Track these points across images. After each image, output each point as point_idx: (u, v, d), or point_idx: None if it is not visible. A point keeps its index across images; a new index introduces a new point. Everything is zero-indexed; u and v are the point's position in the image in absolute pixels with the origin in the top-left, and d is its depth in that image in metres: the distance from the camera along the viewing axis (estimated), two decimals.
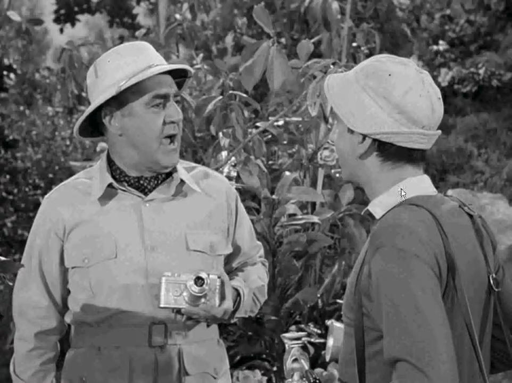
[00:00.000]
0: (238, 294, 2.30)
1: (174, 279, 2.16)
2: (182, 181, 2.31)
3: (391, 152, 1.78)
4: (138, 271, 2.23)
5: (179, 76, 2.33)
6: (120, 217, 2.26)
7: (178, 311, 2.21)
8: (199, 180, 2.36)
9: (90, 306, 2.25)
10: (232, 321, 2.33)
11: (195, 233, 2.29)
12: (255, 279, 2.41)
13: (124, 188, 2.27)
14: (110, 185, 2.27)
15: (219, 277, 2.19)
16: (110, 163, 2.31)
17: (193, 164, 2.43)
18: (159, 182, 2.30)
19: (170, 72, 2.26)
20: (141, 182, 2.28)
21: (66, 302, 2.34)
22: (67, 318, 2.34)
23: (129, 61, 2.23)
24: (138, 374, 2.23)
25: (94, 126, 2.31)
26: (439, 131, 1.81)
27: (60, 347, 2.39)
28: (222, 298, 2.20)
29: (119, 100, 2.22)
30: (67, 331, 2.39)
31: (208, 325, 2.31)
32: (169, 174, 2.31)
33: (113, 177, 2.28)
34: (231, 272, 2.41)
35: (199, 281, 2.13)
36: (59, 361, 2.38)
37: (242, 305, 2.32)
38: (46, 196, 2.36)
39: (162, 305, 2.17)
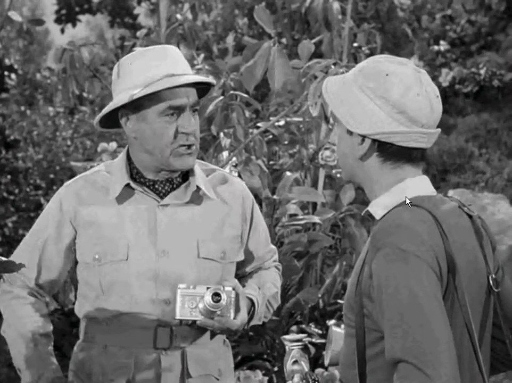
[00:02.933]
0: (252, 303, 2.30)
1: (190, 291, 2.17)
2: (198, 187, 2.30)
3: (391, 152, 1.78)
4: (148, 275, 2.24)
5: (202, 82, 2.29)
6: (134, 219, 2.26)
7: (193, 322, 2.21)
8: (216, 186, 2.34)
9: (99, 303, 2.27)
10: (246, 328, 2.33)
11: (207, 241, 2.29)
12: (270, 286, 2.41)
13: (141, 189, 2.27)
14: (128, 184, 2.27)
15: (233, 289, 2.19)
16: (129, 160, 2.31)
17: (212, 166, 2.41)
18: (174, 186, 2.29)
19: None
20: (156, 186, 2.28)
21: (53, 289, 2.37)
22: (78, 313, 2.35)
23: (151, 67, 2.21)
24: (141, 374, 2.24)
25: (115, 117, 2.30)
26: (439, 129, 1.81)
27: (64, 341, 2.40)
28: (237, 310, 2.20)
29: (135, 105, 2.21)
30: (76, 324, 2.39)
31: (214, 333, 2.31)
32: (185, 178, 2.31)
33: (131, 176, 2.28)
34: (245, 276, 2.41)
35: (216, 297, 2.14)
36: (66, 356, 2.38)
37: (257, 313, 2.31)
38: (65, 184, 2.35)
39: (177, 317, 2.18)
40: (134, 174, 2.29)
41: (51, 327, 2.35)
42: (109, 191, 2.28)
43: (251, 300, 2.29)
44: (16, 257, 2.33)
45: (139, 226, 2.26)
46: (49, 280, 2.34)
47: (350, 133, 1.80)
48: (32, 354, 2.27)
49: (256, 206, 2.44)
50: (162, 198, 2.28)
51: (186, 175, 2.32)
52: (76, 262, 2.32)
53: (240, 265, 2.40)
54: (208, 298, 2.14)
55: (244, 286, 2.29)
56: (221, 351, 2.37)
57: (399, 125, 1.75)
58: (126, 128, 2.25)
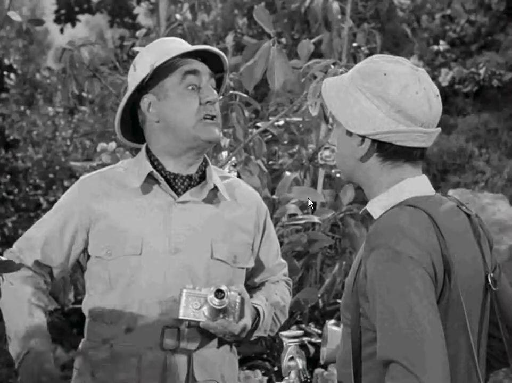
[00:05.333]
0: (258, 313, 2.29)
1: (195, 292, 2.15)
2: (215, 188, 2.31)
3: (391, 152, 1.78)
4: (158, 271, 2.23)
5: (215, 72, 2.34)
6: (149, 214, 2.26)
7: (196, 324, 2.20)
8: (232, 190, 2.35)
9: (107, 298, 2.25)
10: (251, 340, 2.32)
11: (221, 242, 2.29)
12: (278, 299, 2.39)
13: (160, 181, 2.27)
14: (149, 175, 2.27)
15: (239, 294, 2.18)
16: (148, 154, 2.32)
17: (227, 174, 2.44)
18: (192, 183, 2.30)
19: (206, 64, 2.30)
20: (176, 181, 2.29)
21: (51, 275, 2.33)
22: (85, 309, 2.33)
23: (164, 48, 2.28)
24: (146, 375, 2.22)
25: (132, 130, 2.36)
26: (439, 129, 1.80)
27: (63, 341, 2.38)
28: (241, 315, 2.19)
29: (154, 84, 2.26)
30: (76, 324, 2.37)
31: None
32: (203, 178, 2.32)
33: (153, 167, 2.30)
34: (253, 288, 2.40)
35: (219, 293, 2.13)
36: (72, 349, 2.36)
37: (262, 324, 2.30)
38: (81, 178, 2.37)
39: (180, 317, 2.16)
40: (155, 166, 2.30)
41: (47, 301, 2.32)
42: (127, 186, 2.28)
43: (257, 310, 2.28)
44: (31, 232, 2.34)
45: (153, 222, 2.26)
46: (50, 264, 2.32)
47: (350, 134, 1.80)
48: (24, 324, 2.24)
49: (269, 218, 2.44)
50: (178, 195, 2.28)
51: (203, 175, 2.32)
52: (88, 256, 2.31)
53: (249, 275, 2.40)
54: (212, 297, 2.13)
55: (251, 297, 2.28)
56: (227, 357, 2.34)
57: (398, 124, 1.75)
58: (149, 115, 2.28)
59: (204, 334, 2.26)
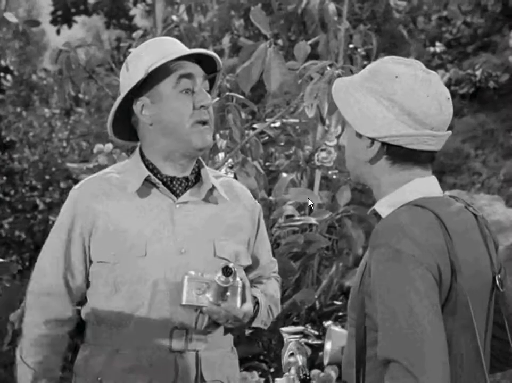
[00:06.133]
0: (257, 302, 2.30)
1: (198, 277, 2.14)
2: (212, 187, 2.31)
3: (400, 155, 1.77)
4: (165, 273, 2.22)
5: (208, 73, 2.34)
6: (151, 216, 2.25)
7: (200, 310, 2.19)
8: (227, 189, 2.36)
9: (112, 302, 2.23)
10: (248, 334, 2.32)
11: (222, 240, 2.29)
12: (272, 292, 2.41)
13: (158, 185, 2.26)
14: (146, 179, 2.26)
15: (241, 279, 2.18)
16: (143, 158, 2.31)
17: (220, 173, 2.45)
18: (189, 184, 2.30)
19: (200, 66, 2.30)
20: (174, 182, 2.29)
21: (82, 294, 2.30)
22: (84, 315, 2.30)
23: (158, 50, 2.26)
24: (156, 377, 2.21)
25: (128, 129, 2.34)
26: (449, 132, 1.79)
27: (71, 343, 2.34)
28: (243, 300, 2.20)
29: (148, 86, 2.25)
30: (80, 327, 2.34)
31: (225, 331, 2.30)
32: (199, 178, 2.32)
33: (149, 171, 2.29)
34: None
35: (227, 270, 2.10)
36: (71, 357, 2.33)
37: (260, 313, 2.31)
38: (75, 187, 2.34)
39: (183, 303, 2.14)
40: (151, 170, 2.29)
41: (59, 366, 2.29)
42: (126, 188, 2.27)
43: (255, 298, 2.29)
44: (41, 268, 2.29)
45: (156, 224, 2.25)
46: (76, 286, 2.29)
47: (359, 135, 1.79)
48: None
49: (262, 216, 2.45)
50: (177, 196, 2.28)
51: (198, 176, 2.33)
52: (90, 261, 2.28)
53: (244, 271, 2.40)
54: (220, 275, 2.10)
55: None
56: (229, 358, 2.35)
57: (408, 127, 1.74)
58: (142, 117, 2.27)
59: (209, 335, 2.26)
